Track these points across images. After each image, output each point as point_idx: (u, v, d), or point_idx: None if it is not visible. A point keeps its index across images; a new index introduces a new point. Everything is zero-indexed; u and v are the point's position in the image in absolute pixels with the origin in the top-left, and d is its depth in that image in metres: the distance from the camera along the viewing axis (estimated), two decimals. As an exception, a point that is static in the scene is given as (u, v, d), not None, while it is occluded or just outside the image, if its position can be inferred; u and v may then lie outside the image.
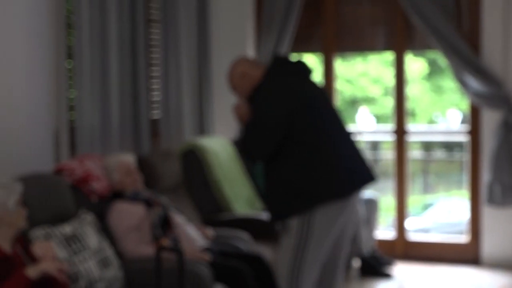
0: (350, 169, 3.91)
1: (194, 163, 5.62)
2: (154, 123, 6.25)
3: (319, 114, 3.91)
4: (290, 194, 3.87)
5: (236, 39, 6.67)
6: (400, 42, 6.64)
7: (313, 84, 4.03)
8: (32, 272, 3.32)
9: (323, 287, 4.14)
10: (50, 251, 3.60)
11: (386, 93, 11.41)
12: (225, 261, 4.43)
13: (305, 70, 4.06)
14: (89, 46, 5.43)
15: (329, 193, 3.84)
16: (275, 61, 4.04)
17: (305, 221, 3.89)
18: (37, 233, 3.92)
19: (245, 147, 3.93)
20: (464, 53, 6.20)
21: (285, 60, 4.05)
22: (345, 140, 3.98)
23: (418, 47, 6.74)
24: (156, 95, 6.29)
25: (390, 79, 7.13)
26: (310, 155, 3.84)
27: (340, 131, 3.99)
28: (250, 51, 6.69)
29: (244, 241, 4.93)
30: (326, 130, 3.91)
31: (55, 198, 4.23)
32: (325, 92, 4.07)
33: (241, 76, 4.06)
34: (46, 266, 3.37)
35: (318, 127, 3.88)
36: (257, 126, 3.87)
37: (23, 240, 3.58)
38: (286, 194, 3.88)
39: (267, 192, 3.99)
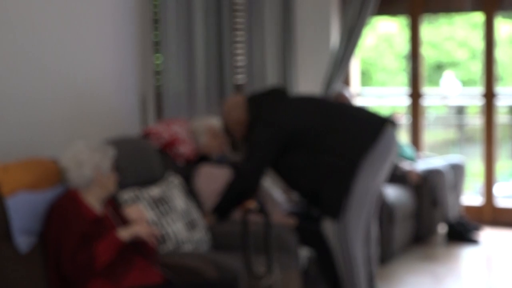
0: (361, 126, 4.23)
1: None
2: (239, 88, 6.27)
3: (310, 121, 4.26)
4: (330, 178, 4.17)
5: (320, 2, 6.62)
6: (489, 2, 6.47)
7: (294, 100, 4.41)
8: (124, 234, 3.38)
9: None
10: (142, 215, 3.66)
11: (472, 57, 11.17)
12: (310, 225, 4.43)
13: (281, 94, 4.41)
14: (174, 12, 5.46)
15: (358, 150, 4.13)
16: (252, 102, 4.38)
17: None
18: (126, 195, 3.99)
19: (246, 180, 4.30)
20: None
21: (260, 97, 4.40)
22: (346, 114, 4.30)
23: (509, 8, 6.55)
24: (240, 60, 6.30)
25: (477, 42, 6.97)
26: (321, 147, 4.20)
27: (341, 114, 4.30)
28: (335, 15, 6.63)
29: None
30: (327, 124, 4.24)
31: (143, 161, 4.30)
32: (309, 96, 4.46)
33: (236, 123, 4.46)
34: (138, 230, 3.43)
35: (314, 131, 4.22)
36: (253, 157, 4.27)
37: (113, 202, 3.65)
38: (328, 181, 4.17)
39: (312, 196, 4.30)
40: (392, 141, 4.23)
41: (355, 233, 4.20)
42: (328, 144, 4.20)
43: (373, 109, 4.44)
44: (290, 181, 4.34)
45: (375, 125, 4.22)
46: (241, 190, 4.31)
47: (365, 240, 4.36)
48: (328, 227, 4.20)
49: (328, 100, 4.47)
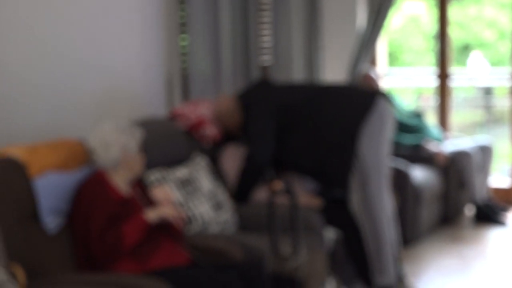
0: (352, 101, 4.36)
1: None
2: (264, 70, 6.26)
3: (298, 103, 4.40)
4: (331, 153, 4.27)
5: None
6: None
7: (282, 87, 4.60)
8: (151, 215, 3.40)
9: None
10: (168, 196, 3.67)
11: (501, 37, 11.05)
12: (336, 205, 4.43)
13: (267, 85, 4.61)
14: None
15: (352, 123, 4.24)
16: (242, 100, 4.54)
17: (356, 159, 4.24)
18: (153, 176, 4.00)
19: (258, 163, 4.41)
20: None
21: (248, 94, 4.58)
22: (336, 92, 4.46)
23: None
24: (266, 41, 6.28)
25: (506, 22, 6.90)
26: (316, 125, 4.33)
27: (326, 91, 4.47)
28: (361, -5, 6.59)
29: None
30: (313, 106, 4.37)
31: (169, 143, 4.31)
32: (295, 82, 4.79)
33: (233, 126, 4.59)
34: (165, 211, 3.45)
35: (305, 111, 4.37)
36: (255, 139, 4.40)
37: (140, 183, 3.66)
38: (330, 156, 4.28)
39: (317, 173, 4.39)
40: (386, 111, 4.32)
41: (381, 206, 4.27)
42: (324, 119, 4.32)
43: (399, 91, 4.48)
44: (296, 166, 4.43)
45: (366, 97, 4.34)
46: (254, 172, 4.42)
47: (391, 218, 4.37)
48: (355, 203, 4.24)
49: (316, 84, 4.66)
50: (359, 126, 4.24)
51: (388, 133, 4.36)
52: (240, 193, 4.44)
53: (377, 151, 4.28)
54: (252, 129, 4.43)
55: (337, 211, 4.38)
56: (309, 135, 4.33)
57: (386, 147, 4.36)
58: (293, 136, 4.36)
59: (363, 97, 4.37)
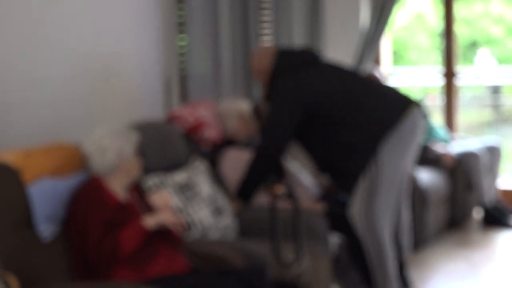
0: (386, 105, 4.21)
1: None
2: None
3: (335, 93, 4.23)
4: (351, 153, 4.15)
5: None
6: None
7: (323, 67, 4.34)
8: (149, 221, 3.40)
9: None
10: (167, 201, 3.67)
11: (509, 34, 11.05)
12: (340, 210, 4.42)
13: (311, 58, 4.36)
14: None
15: (383, 126, 4.11)
16: (280, 57, 4.34)
17: (373, 164, 4.11)
18: (151, 181, 4.00)
19: (263, 151, 4.27)
20: None
21: (290, 53, 4.38)
22: (373, 91, 4.28)
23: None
24: (267, 41, 6.28)
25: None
26: (346, 118, 4.18)
27: (365, 89, 4.28)
28: (364, -8, 6.58)
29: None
30: (348, 97, 4.22)
31: (167, 146, 4.30)
32: (338, 67, 4.38)
33: (259, 70, 4.41)
34: (163, 217, 3.44)
35: (340, 101, 4.20)
36: (271, 131, 4.25)
37: (138, 188, 3.66)
38: (348, 156, 4.16)
39: (332, 169, 4.29)
40: (418, 123, 4.21)
41: (384, 219, 4.18)
42: (350, 119, 4.18)
43: (404, 90, 4.41)
44: (311, 152, 4.32)
45: (400, 106, 4.21)
46: (262, 168, 4.30)
47: (394, 227, 4.34)
48: (356, 214, 4.18)
49: (358, 74, 4.40)
50: (384, 136, 4.12)
51: (414, 148, 4.24)
52: (244, 190, 4.32)
53: (397, 162, 4.15)
54: (270, 118, 4.27)
55: (342, 215, 4.37)
56: (332, 130, 4.20)
57: (408, 162, 4.24)
58: (317, 125, 4.23)
59: (397, 104, 4.22)
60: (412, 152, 4.24)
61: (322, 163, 4.30)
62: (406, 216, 4.50)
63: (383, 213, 4.16)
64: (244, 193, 4.33)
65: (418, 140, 4.26)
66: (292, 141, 4.29)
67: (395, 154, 4.13)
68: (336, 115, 4.20)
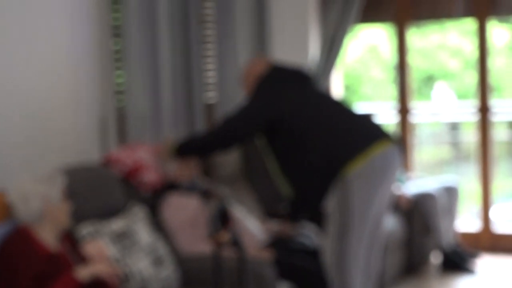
0: (358, 131, 4.31)
1: (255, 149, 5.62)
2: (209, 108, 6.27)
3: (310, 113, 4.35)
4: (316, 176, 4.21)
5: (297, 9, 6.63)
6: (482, 7, 6.52)
7: (308, 89, 4.51)
8: (82, 273, 3.37)
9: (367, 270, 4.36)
10: (102, 251, 3.65)
11: (467, 67, 11.24)
12: (290, 258, 4.43)
13: (301, 78, 4.54)
14: (136, 24, 5.47)
15: (348, 152, 4.17)
16: (273, 69, 4.54)
17: (342, 196, 4.14)
18: (85, 230, 3.98)
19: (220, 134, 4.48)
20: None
21: (284, 69, 4.57)
22: (351, 119, 4.39)
23: (503, 13, 6.61)
24: (211, 77, 6.31)
25: (471, 50, 7.02)
26: (313, 139, 4.26)
27: (341, 115, 4.40)
28: (313, 23, 6.66)
29: (309, 237, 4.93)
30: (321, 120, 4.33)
31: (103, 191, 4.29)
32: (325, 94, 4.61)
33: (251, 77, 4.59)
34: (98, 268, 3.42)
35: (312, 121, 4.32)
36: (235, 118, 4.42)
37: (71, 238, 3.64)
38: (313, 178, 4.23)
39: (296, 191, 4.35)
40: (392, 159, 4.27)
41: (355, 259, 4.19)
42: (314, 142, 4.25)
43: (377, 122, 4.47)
44: (283, 169, 4.41)
45: (370, 137, 4.27)
46: (213, 145, 4.51)
47: (365, 274, 4.34)
48: (327, 253, 4.19)
49: (343, 105, 4.51)
50: (350, 159, 4.15)
51: (389, 185, 4.29)
52: (185, 148, 4.55)
53: (369, 199, 4.18)
54: (240, 109, 4.45)
55: (292, 263, 4.38)
56: (296, 149, 4.27)
57: (383, 200, 4.28)
58: (282, 141, 4.34)
59: (367, 135, 4.28)
60: (387, 190, 4.29)
61: (291, 181, 4.36)
62: (375, 266, 4.46)
63: (354, 250, 4.18)
64: (182, 149, 4.55)
65: (393, 177, 4.32)
66: (252, 139, 4.53)
67: (367, 190, 4.17)
68: (303, 135, 4.27)
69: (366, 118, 4.45)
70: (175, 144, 4.57)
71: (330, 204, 4.18)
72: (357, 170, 4.15)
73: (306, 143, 4.27)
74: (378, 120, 4.56)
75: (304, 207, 4.45)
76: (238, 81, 6.18)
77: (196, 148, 4.57)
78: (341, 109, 4.44)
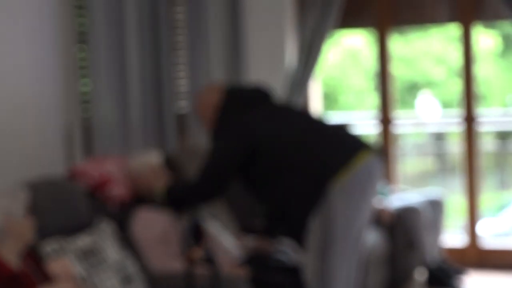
0: (336, 145, 4.31)
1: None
2: (181, 118, 6.28)
3: (282, 135, 4.33)
4: (295, 198, 4.22)
5: (273, 15, 6.64)
6: (467, 12, 6.58)
7: (273, 107, 4.50)
8: (45, 293, 3.37)
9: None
10: (68, 269, 3.64)
11: (451, 75, 11.31)
12: (266, 275, 4.44)
13: (262, 97, 4.51)
14: (103, 29, 5.47)
15: (328, 170, 4.17)
16: (230, 95, 4.48)
17: (325, 213, 4.15)
18: (49, 247, 3.97)
19: (199, 190, 4.44)
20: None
21: (240, 91, 4.56)
22: (327, 134, 4.38)
23: (489, 18, 6.66)
24: (183, 85, 6.32)
25: (456, 57, 7.08)
26: (292, 162, 4.26)
27: (315, 130, 4.39)
28: (290, 29, 6.69)
29: (286, 253, 4.94)
30: (295, 139, 4.31)
31: (68, 206, 4.28)
32: (292, 108, 4.61)
33: (209, 109, 4.50)
34: (64, 288, 3.42)
35: (286, 142, 4.30)
36: (210, 168, 4.38)
37: (34, 255, 3.62)
38: (295, 203, 4.23)
39: (276, 213, 4.42)
40: (373, 170, 4.29)
41: (337, 276, 4.21)
42: (293, 165, 4.25)
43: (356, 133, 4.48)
44: (259, 196, 4.44)
45: (349, 150, 4.28)
46: (192, 203, 4.54)
47: None
48: (309, 271, 4.20)
49: (310, 115, 4.56)
50: (332, 178, 4.15)
51: (370, 197, 4.32)
52: (169, 200, 4.54)
53: (352, 214, 4.20)
54: (212, 156, 4.38)
55: (268, 281, 4.39)
56: (279, 173, 4.27)
57: (365, 214, 4.30)
58: (259, 165, 4.31)
59: (347, 148, 4.28)
60: (368, 204, 4.32)
61: (269, 209, 4.42)
62: (356, 280, 4.48)
63: (337, 270, 4.20)
64: (165, 201, 4.54)
65: (374, 189, 4.34)
66: (232, 182, 4.41)
67: (349, 206, 4.19)
68: (281, 159, 4.27)
69: (341, 130, 4.45)
70: (162, 199, 4.56)
71: (312, 221, 4.19)
72: (339, 186, 4.16)
73: (284, 167, 4.26)
74: (355, 130, 4.55)
75: (283, 225, 4.45)
76: (193, 115, 6.17)
77: (183, 205, 4.56)
78: (312, 123, 4.44)
